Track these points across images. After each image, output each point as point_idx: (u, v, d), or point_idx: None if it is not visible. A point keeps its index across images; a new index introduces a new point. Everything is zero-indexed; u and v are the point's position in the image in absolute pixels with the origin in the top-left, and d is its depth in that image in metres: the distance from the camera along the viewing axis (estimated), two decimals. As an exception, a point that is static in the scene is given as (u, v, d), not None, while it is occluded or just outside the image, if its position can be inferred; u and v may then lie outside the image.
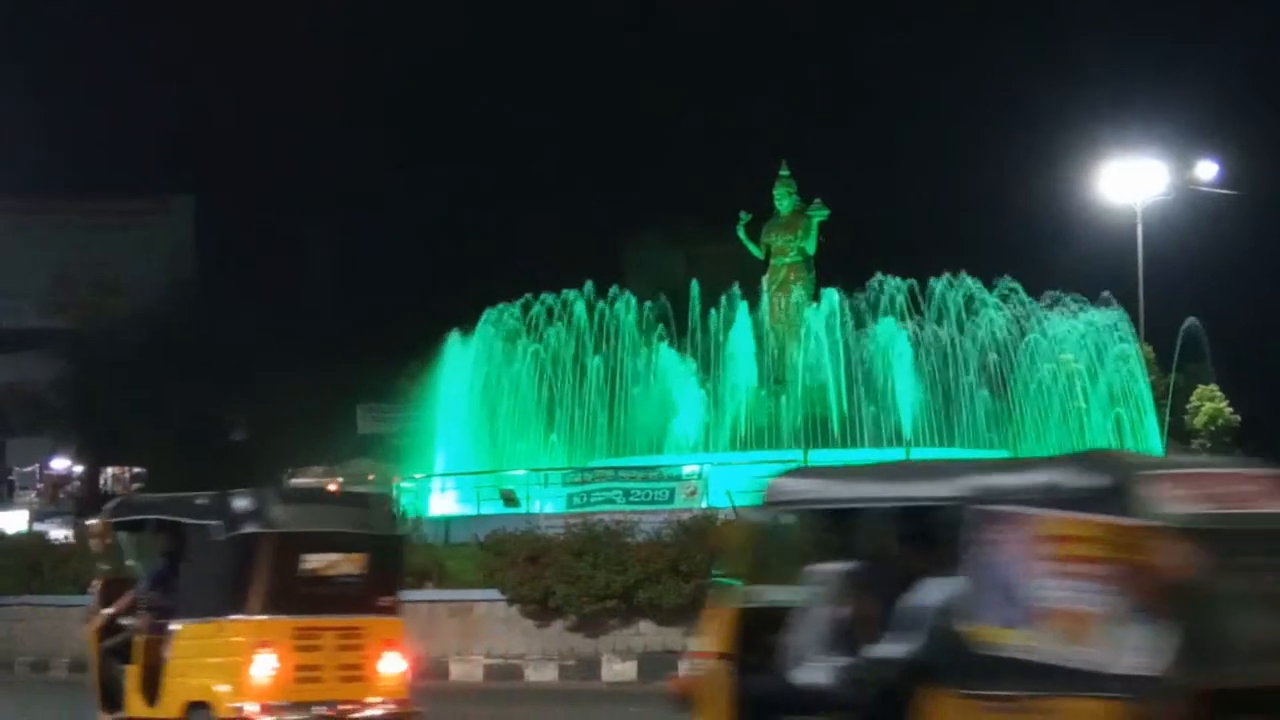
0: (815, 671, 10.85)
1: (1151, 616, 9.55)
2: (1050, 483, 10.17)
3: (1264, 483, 10.55)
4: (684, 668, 11.58)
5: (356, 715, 17.23)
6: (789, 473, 11.95)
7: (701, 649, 11.64)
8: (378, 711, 17.34)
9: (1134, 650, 9.55)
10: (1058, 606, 9.86)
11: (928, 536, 10.73)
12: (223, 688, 16.81)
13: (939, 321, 42.78)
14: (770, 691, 11.01)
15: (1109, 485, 9.96)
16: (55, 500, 71.24)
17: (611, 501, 35.02)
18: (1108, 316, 43.28)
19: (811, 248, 43.80)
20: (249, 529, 17.02)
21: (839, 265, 44.09)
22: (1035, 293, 43.36)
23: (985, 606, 10.13)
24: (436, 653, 29.29)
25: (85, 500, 63.26)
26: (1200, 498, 10.07)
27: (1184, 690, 9.45)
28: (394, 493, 43.54)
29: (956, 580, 10.33)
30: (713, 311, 43.18)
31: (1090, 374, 42.46)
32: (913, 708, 10.31)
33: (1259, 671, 9.78)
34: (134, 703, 17.37)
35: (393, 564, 18.02)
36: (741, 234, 44.16)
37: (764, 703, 11.04)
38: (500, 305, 44.84)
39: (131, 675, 17.35)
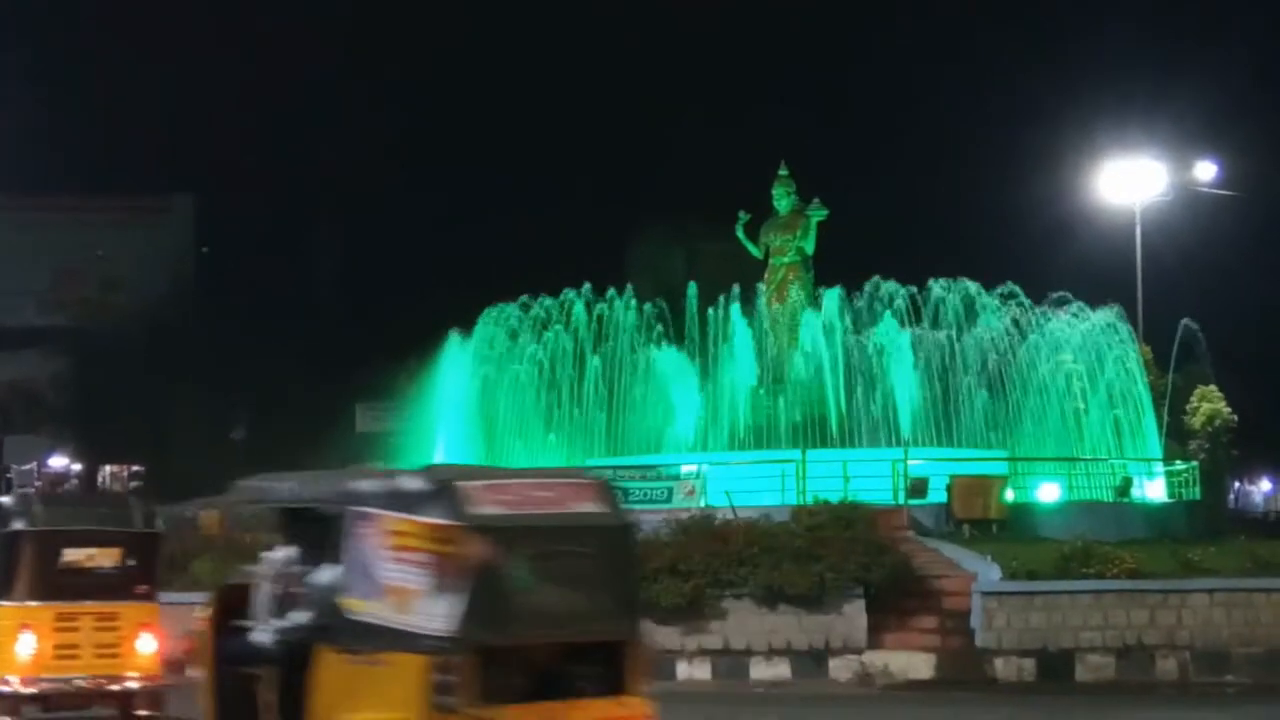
0: (261, 633, 13.52)
1: (452, 592, 12.25)
2: (394, 490, 12.85)
3: (559, 489, 13.43)
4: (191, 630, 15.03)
5: (111, 688, 19.87)
6: (253, 477, 14.57)
7: (200, 616, 14.53)
8: (132, 685, 19.93)
9: (439, 616, 12.23)
10: (394, 584, 12.55)
11: (327, 529, 13.19)
12: None
13: (937, 323, 42.74)
14: (236, 649, 13.72)
15: (429, 491, 12.64)
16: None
17: (610, 501, 34.92)
18: (1106, 317, 43.24)
19: (810, 247, 43.82)
20: (15, 527, 19.82)
21: (838, 265, 44.11)
22: (1034, 293, 43.34)
23: (353, 584, 12.81)
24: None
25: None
26: (497, 502, 12.76)
27: (471, 645, 12.20)
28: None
29: (341, 564, 12.97)
30: (711, 311, 43.15)
31: (1089, 375, 42.43)
32: (310, 662, 12.94)
33: (531, 632, 12.70)
34: None
35: (149, 557, 20.48)
36: (740, 233, 44.15)
37: (232, 657, 13.83)
38: (499, 304, 44.86)
39: None
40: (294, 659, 13.15)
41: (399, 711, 12.35)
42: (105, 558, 20.26)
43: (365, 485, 13.21)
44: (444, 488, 12.67)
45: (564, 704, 12.87)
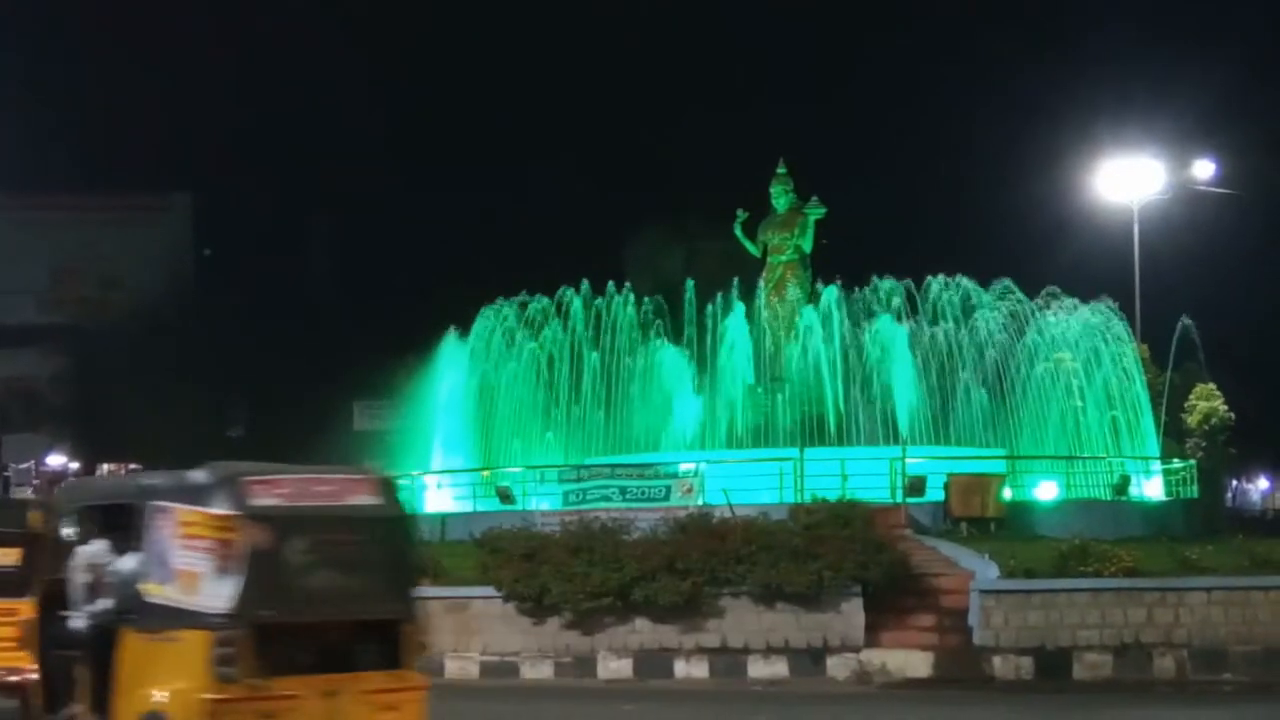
0: (77, 619, 15.08)
1: (230, 574, 13.85)
2: (185, 485, 14.42)
3: (338, 484, 14.87)
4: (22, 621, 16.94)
5: (11, 679, 20.29)
6: (71, 480, 16.31)
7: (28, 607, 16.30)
8: (32, 676, 20.58)
9: (221, 597, 13.83)
10: (184, 568, 14.13)
11: (132, 524, 14.70)
12: None
13: (935, 321, 42.72)
14: (57, 633, 15.32)
15: (213, 485, 14.23)
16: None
17: (608, 499, 35.00)
18: (1104, 315, 43.21)
19: (808, 246, 43.82)
20: None
21: (836, 263, 44.13)
22: (1032, 291, 43.32)
23: (151, 570, 14.37)
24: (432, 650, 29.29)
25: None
26: (274, 494, 14.29)
27: (248, 622, 13.76)
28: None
29: (141, 553, 14.52)
30: (709, 309, 43.16)
31: (1086, 373, 42.40)
32: (117, 643, 14.47)
33: (306, 611, 14.26)
34: None
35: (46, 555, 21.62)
36: (738, 232, 44.16)
37: (54, 641, 15.40)
38: (498, 302, 44.85)
39: None
40: (103, 641, 14.67)
41: (187, 681, 13.84)
42: (5, 557, 21.11)
43: (161, 482, 14.87)
44: (226, 481, 14.26)
45: (342, 677, 14.38)
